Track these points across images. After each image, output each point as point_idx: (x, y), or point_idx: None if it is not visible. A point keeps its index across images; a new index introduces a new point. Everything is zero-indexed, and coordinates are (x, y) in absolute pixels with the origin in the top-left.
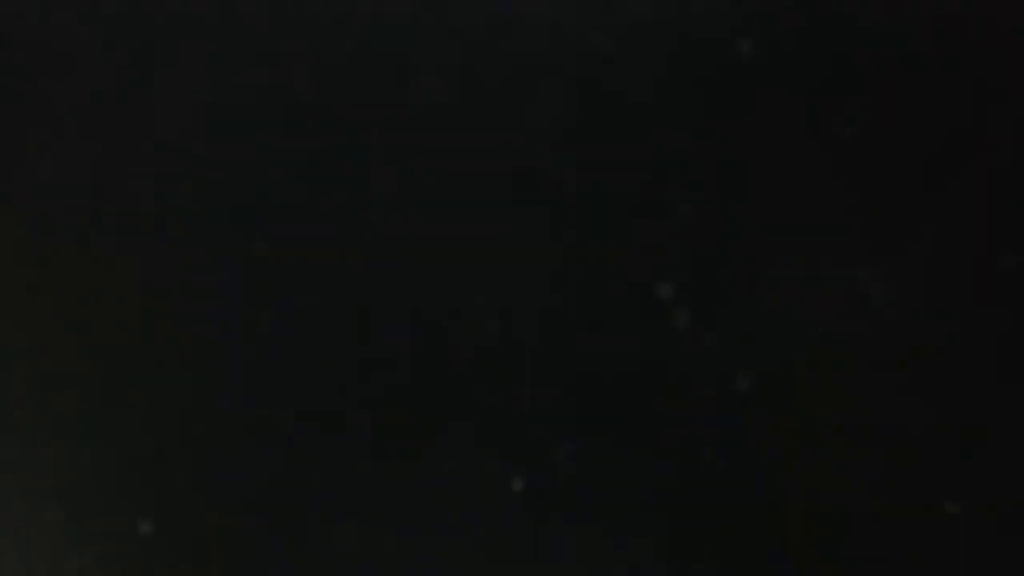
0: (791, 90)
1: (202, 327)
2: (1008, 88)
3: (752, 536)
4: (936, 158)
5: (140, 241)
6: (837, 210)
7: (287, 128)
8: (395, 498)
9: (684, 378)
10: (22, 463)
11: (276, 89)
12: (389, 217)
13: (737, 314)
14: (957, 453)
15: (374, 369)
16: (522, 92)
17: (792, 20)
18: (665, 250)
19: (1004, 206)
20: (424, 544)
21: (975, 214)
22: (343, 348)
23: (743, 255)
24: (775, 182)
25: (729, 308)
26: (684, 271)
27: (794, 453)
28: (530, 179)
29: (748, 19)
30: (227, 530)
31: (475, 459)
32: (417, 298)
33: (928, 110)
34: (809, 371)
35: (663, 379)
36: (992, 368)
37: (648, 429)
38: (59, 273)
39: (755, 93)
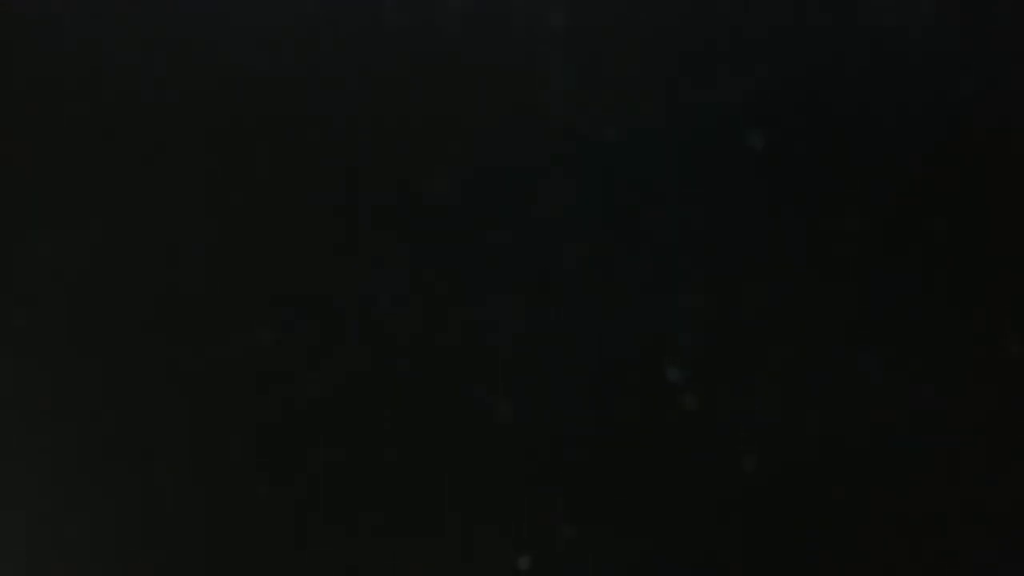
0: (800, 182)
1: (200, 409)
2: (1016, 174)
3: None
4: (942, 248)
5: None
6: (843, 296)
7: (297, 204)
8: None
9: (690, 459)
10: (16, 542)
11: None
12: (397, 302)
13: (744, 397)
14: (960, 534)
15: (379, 447)
16: (532, 183)
17: (803, 113)
18: (674, 336)
19: (1009, 293)
20: None
21: (980, 302)
22: (347, 425)
23: (750, 340)
24: (782, 270)
25: (736, 392)
26: (692, 356)
27: (800, 534)
28: (540, 266)
29: (760, 112)
30: None
31: (481, 537)
32: (424, 379)
33: (936, 201)
34: (814, 453)
35: (669, 460)
36: (996, 452)
37: (654, 509)
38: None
39: (765, 185)
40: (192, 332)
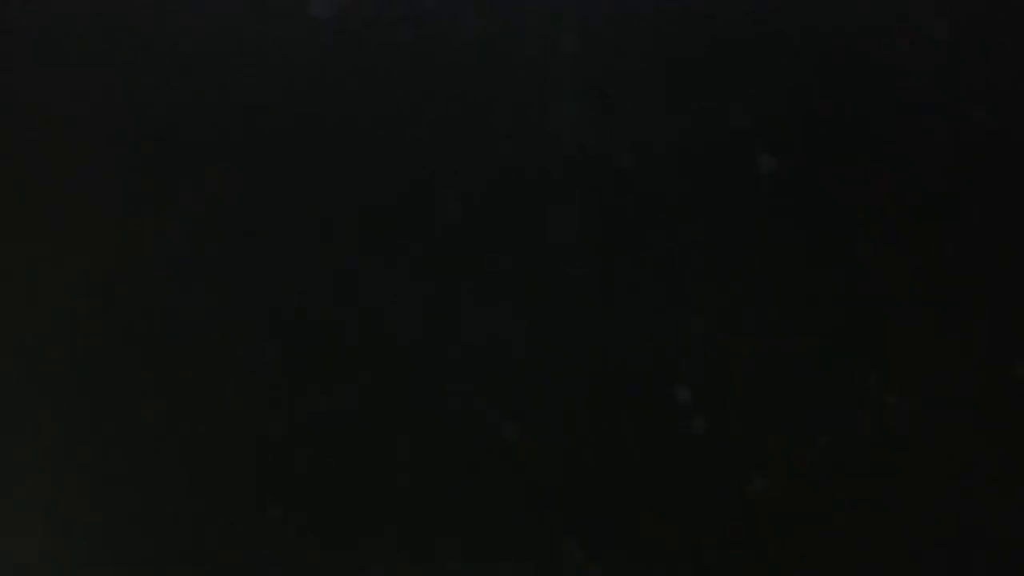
0: (809, 205)
1: (205, 426)
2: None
3: None
4: (950, 270)
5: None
6: (850, 319)
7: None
8: None
9: (699, 480)
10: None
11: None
12: (403, 321)
13: (752, 419)
14: (967, 554)
15: (382, 466)
16: (542, 204)
17: (812, 137)
18: (682, 358)
19: (1013, 317)
20: None
21: (987, 325)
22: (350, 443)
23: (759, 362)
24: (791, 292)
25: (745, 413)
26: (701, 378)
27: (807, 555)
28: (549, 287)
29: (769, 136)
30: None
31: (486, 558)
32: (429, 398)
33: (944, 225)
34: (822, 474)
35: (678, 481)
36: (1004, 473)
37: (662, 531)
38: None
39: (774, 208)
40: (197, 348)
